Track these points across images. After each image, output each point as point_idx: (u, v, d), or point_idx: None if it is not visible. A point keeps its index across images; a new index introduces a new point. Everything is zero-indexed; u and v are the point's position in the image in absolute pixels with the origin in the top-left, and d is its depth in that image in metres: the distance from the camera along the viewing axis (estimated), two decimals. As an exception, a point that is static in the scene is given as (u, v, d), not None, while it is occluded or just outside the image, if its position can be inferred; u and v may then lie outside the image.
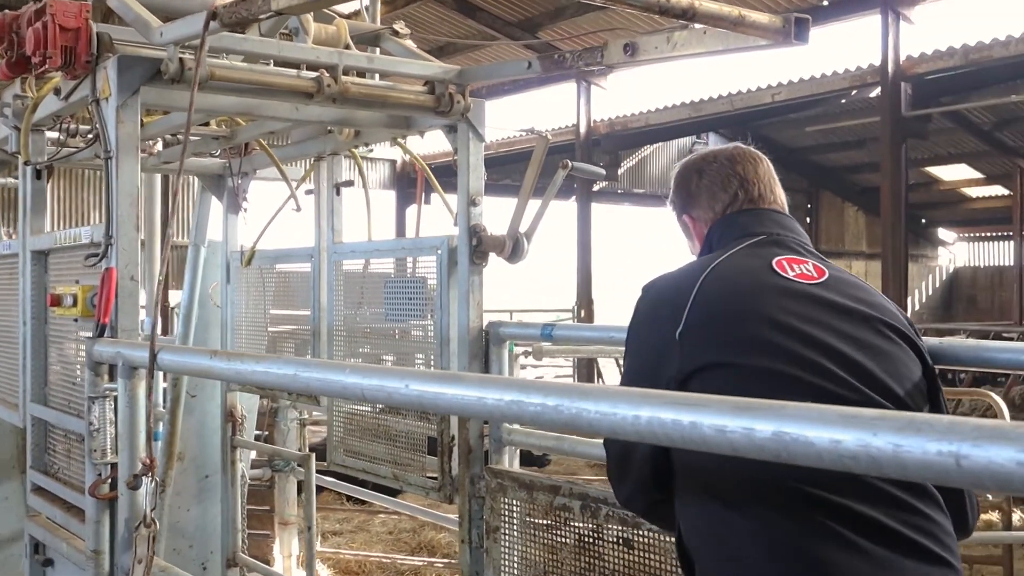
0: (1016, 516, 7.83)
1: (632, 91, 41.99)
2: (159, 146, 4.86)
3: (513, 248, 3.47)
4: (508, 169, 19.46)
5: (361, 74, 3.44)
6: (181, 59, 2.83)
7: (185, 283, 5.36)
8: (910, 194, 14.02)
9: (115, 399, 2.75)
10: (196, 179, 5.30)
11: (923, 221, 26.80)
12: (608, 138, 19.42)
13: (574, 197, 18.95)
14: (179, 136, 4.58)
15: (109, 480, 2.77)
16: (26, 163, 3.46)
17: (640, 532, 2.70)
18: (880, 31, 13.10)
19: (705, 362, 1.81)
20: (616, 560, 2.78)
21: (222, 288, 5.08)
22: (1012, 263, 22.72)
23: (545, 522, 3.06)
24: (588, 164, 3.67)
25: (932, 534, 1.73)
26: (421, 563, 7.93)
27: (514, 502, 3.22)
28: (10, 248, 3.79)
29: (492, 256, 3.51)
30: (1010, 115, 19.20)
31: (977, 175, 23.24)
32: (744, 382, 1.74)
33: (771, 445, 1.04)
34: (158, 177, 6.20)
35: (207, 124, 4.38)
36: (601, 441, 2.39)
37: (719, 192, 2.17)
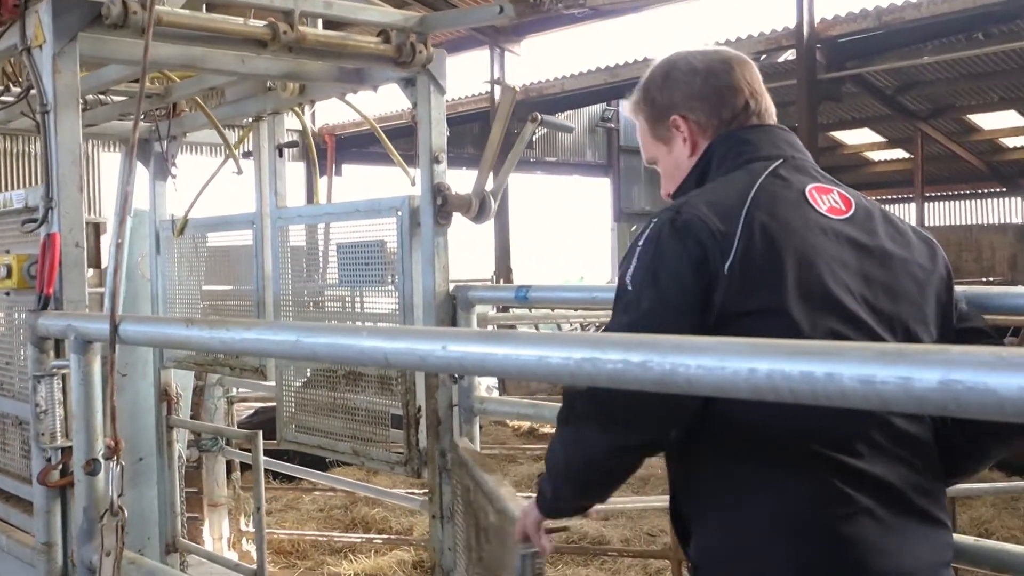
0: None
1: (546, 58, 41.87)
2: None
3: (480, 207, 3.30)
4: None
5: (313, 24, 3.21)
6: (124, 1, 2.57)
7: (110, 255, 5.03)
8: (817, 159, 14.27)
9: (63, 377, 2.51)
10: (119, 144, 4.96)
11: (828, 185, 27.45)
12: (522, 105, 19.21)
13: (490, 165, 18.77)
14: (102, 97, 4.26)
15: (60, 466, 2.52)
16: (-54, 121, 3.14)
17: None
18: (795, -6, 13.23)
19: (757, 306, 1.63)
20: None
21: (151, 259, 4.78)
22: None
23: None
24: (556, 119, 3.48)
25: (933, 496, 1.72)
26: (358, 539, 7.74)
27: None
28: (-76, 218, 3.45)
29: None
30: (912, 79, 19.70)
31: (880, 139, 23.83)
32: (796, 335, 1.61)
33: (935, 395, 0.92)
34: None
35: (135, 82, 4.07)
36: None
37: (730, 98, 1.91)
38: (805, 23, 13.18)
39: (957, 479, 1.89)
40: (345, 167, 23.11)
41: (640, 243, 1.75)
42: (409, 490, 6.47)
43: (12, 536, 2.83)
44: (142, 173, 4.86)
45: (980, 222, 24.86)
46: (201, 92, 3.97)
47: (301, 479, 7.55)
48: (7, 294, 2.88)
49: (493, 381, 11.68)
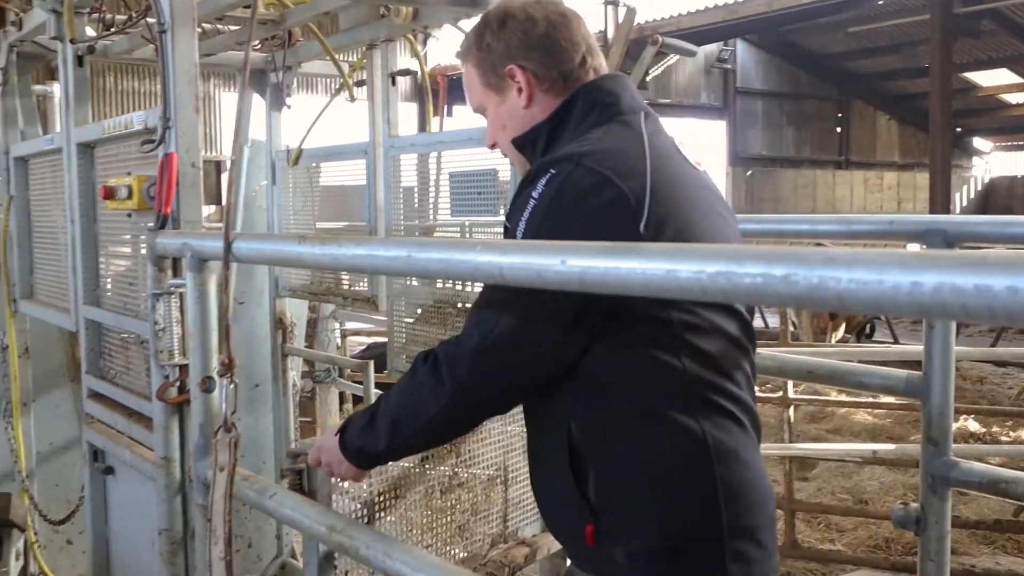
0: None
1: (657, -2, 40.86)
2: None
3: (597, 135, 3.18)
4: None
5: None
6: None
7: (228, 176, 5.11)
8: (950, 101, 13.50)
9: (181, 296, 2.53)
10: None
11: (958, 130, 26.12)
12: (636, 44, 18.83)
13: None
14: (219, 26, 4.28)
15: (178, 383, 2.56)
16: (72, 41, 3.18)
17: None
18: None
19: None
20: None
21: (267, 189, 4.83)
22: (1050, 171, 22.14)
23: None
24: (680, 42, 3.32)
25: (755, 411, 1.88)
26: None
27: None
28: (52, 143, 3.54)
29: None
30: (1058, 15, 18.45)
31: (1018, 80, 22.49)
32: None
33: None
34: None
35: (248, 7, 4.06)
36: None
37: (569, 51, 1.90)
38: (942, -47, 12.43)
39: None
40: (456, 108, 23.13)
41: (535, 195, 1.73)
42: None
43: (136, 451, 2.91)
44: (259, 105, 4.90)
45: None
46: (315, 18, 3.93)
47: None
48: (129, 215, 2.92)
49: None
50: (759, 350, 2.08)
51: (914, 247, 2.41)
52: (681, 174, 1.80)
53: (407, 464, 2.38)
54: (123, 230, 3.02)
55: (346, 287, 4.29)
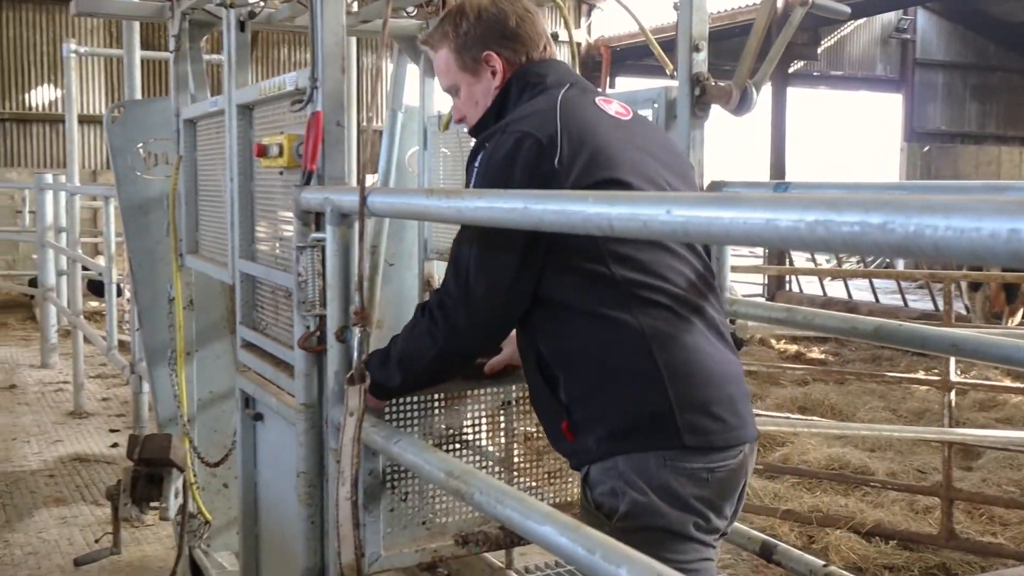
0: None
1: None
2: (355, 5, 4.70)
3: (741, 99, 3.10)
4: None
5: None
6: None
7: (382, 149, 5.27)
8: None
9: (323, 249, 2.64)
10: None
11: None
12: (807, 13, 18.14)
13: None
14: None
15: (317, 333, 2.68)
16: (232, 5, 3.35)
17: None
18: None
19: (600, 178, 2.04)
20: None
21: (419, 155, 4.95)
22: None
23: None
24: (830, 2, 3.18)
25: (704, 308, 2.16)
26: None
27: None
28: (216, 105, 3.74)
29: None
30: None
31: None
32: None
33: None
34: (353, 42, 6.09)
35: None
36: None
37: (535, 40, 2.31)
38: None
39: None
40: (619, 80, 22.97)
41: (476, 164, 2.14)
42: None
43: (280, 398, 3.07)
44: (413, 73, 5.02)
45: None
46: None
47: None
48: (280, 173, 3.06)
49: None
50: (901, 323, 2.33)
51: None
52: (595, 119, 2.15)
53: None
54: (275, 187, 3.18)
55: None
